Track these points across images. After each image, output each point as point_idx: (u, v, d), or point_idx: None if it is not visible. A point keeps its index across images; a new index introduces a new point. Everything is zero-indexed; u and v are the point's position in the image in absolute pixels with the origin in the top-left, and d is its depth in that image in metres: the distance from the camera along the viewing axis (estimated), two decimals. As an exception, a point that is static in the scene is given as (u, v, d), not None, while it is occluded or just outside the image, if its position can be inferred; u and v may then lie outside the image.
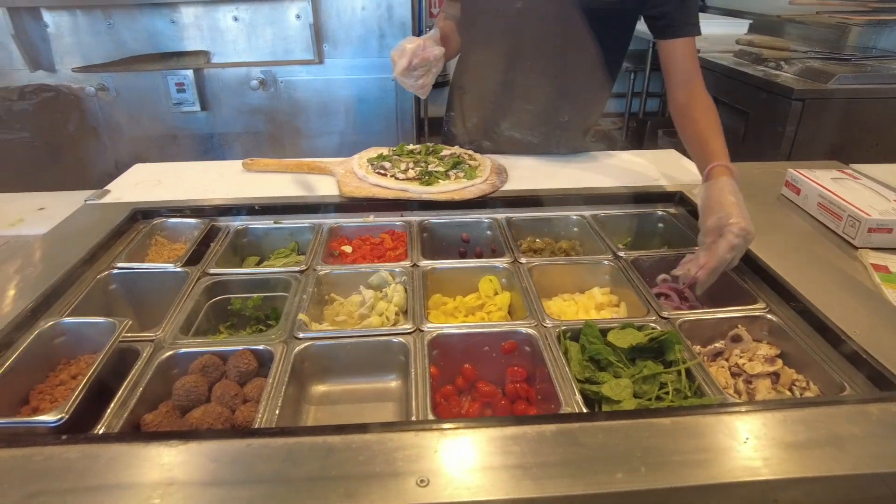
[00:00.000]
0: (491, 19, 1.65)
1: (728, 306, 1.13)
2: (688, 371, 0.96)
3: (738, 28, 4.10)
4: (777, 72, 2.88)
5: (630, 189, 1.54)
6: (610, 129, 5.21)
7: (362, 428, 0.77)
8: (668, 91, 1.52)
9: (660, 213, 1.50)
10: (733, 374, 1.04)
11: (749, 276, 1.20)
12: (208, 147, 3.64)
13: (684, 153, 1.84)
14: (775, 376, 1.01)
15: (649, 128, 4.56)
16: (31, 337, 0.95)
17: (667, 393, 0.94)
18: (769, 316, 1.08)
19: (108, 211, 1.43)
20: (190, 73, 3.39)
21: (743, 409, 0.81)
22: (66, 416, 0.80)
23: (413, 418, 0.85)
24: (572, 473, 0.70)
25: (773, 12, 3.97)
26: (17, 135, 3.26)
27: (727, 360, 1.06)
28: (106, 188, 1.57)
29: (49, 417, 0.80)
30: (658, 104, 5.55)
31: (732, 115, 3.10)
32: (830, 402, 0.85)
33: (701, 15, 4.48)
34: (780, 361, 1.02)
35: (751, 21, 4.14)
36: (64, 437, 0.76)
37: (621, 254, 1.30)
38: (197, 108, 3.49)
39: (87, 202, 1.49)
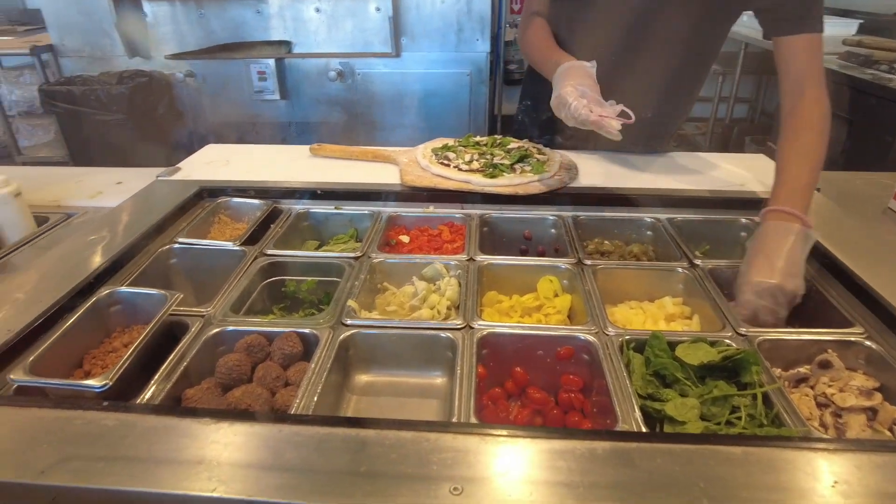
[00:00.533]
0: (584, 9, 1.54)
1: (818, 328, 1.00)
2: (765, 396, 0.85)
3: (846, 28, 3.78)
4: (890, 75, 2.62)
5: (712, 193, 1.42)
6: (693, 133, 4.94)
7: (398, 424, 0.72)
8: (780, 96, 1.30)
9: (744, 221, 1.37)
10: (819, 405, 0.92)
11: (845, 295, 1.07)
12: (286, 135, 3.73)
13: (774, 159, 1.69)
14: (872, 412, 0.88)
15: (736, 134, 4.30)
16: (88, 303, 0.97)
17: (739, 418, 0.84)
18: (868, 342, 0.95)
19: (176, 187, 1.46)
20: (272, 62, 3.48)
21: (831, 446, 0.70)
22: (110, 383, 0.81)
23: (454, 419, 0.80)
24: (623, 498, 0.62)
25: (888, 11, 3.63)
26: (114, 116, 3.46)
27: (812, 387, 0.94)
28: (177, 165, 1.61)
29: (94, 382, 0.81)
30: (746, 110, 5.22)
31: (833, 121, 2.85)
32: (941, 448, 0.73)
33: (804, 13, 4.01)
34: (879, 396, 0.89)
35: (861, 21, 3.80)
36: (105, 403, 0.76)
37: (698, 262, 1.19)
38: (277, 96, 3.58)
39: (159, 178, 1.53)
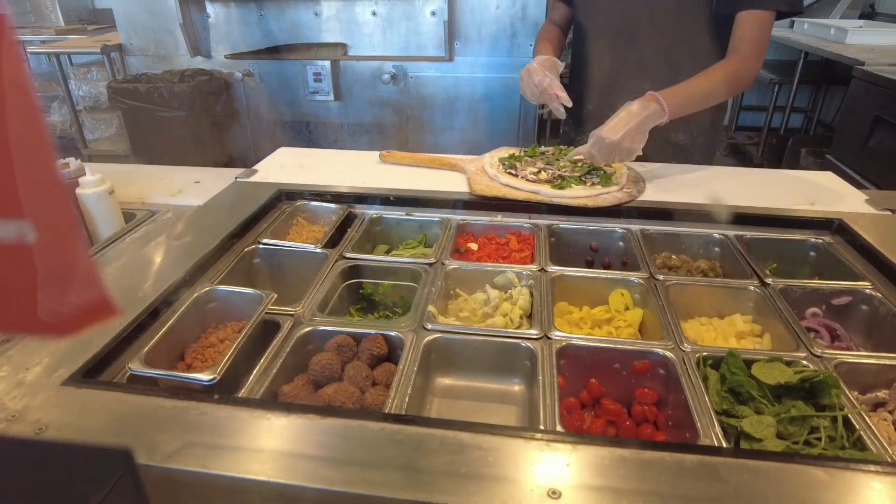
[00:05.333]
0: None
1: (894, 352, 1.01)
2: (845, 420, 0.86)
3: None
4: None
5: (781, 211, 1.42)
6: (744, 143, 4.86)
7: (492, 428, 0.76)
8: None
9: (813, 240, 1.37)
10: (898, 430, 0.92)
11: (925, 321, 1.07)
12: (338, 136, 3.82)
13: (842, 175, 1.68)
14: (953, 440, 0.89)
15: (790, 145, 4.21)
16: (190, 300, 1.04)
17: (818, 439, 0.86)
18: (949, 369, 0.95)
19: (255, 189, 1.54)
20: (327, 63, 3.57)
21: (920, 472, 0.71)
22: (218, 377, 0.87)
23: (541, 427, 0.83)
24: (716, 512, 0.65)
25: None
26: (175, 113, 3.60)
27: (891, 412, 0.94)
28: (254, 168, 1.68)
29: (203, 376, 0.87)
30: (802, 120, 5.11)
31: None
32: None
33: (867, 23, 4.12)
34: (960, 423, 0.90)
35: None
36: (216, 395, 0.83)
37: (769, 280, 1.20)
38: (331, 97, 3.66)
39: (238, 180, 1.61)
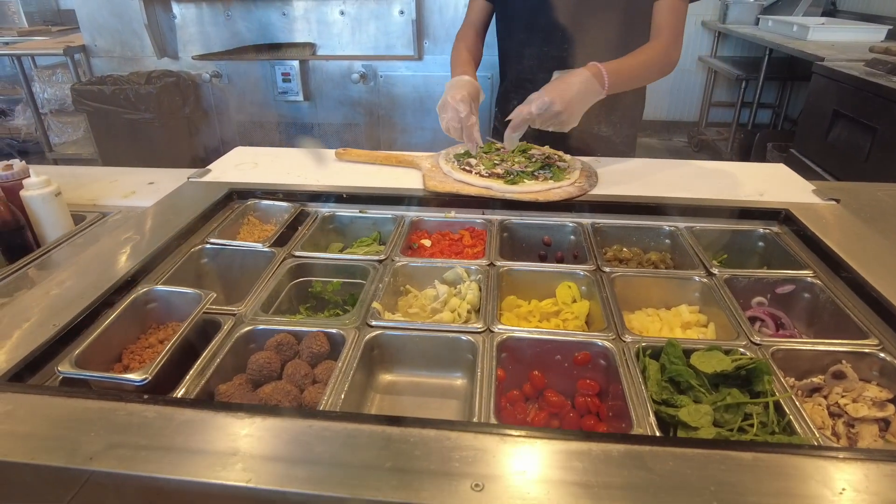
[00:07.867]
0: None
1: (833, 338, 1.02)
2: (776, 405, 0.87)
3: (874, 35, 3.74)
4: (916, 85, 2.59)
5: (731, 202, 1.43)
6: (714, 139, 4.91)
7: (422, 422, 0.76)
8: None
9: (761, 230, 1.39)
10: (832, 415, 0.93)
11: (861, 307, 1.08)
12: (308, 136, 3.79)
13: (795, 168, 1.70)
14: (884, 423, 0.90)
15: (758, 140, 4.27)
16: (128, 301, 1.02)
17: (751, 425, 0.86)
18: (882, 354, 0.96)
19: (207, 189, 1.52)
20: (296, 63, 3.54)
21: (842, 454, 0.72)
22: (150, 377, 0.86)
23: (475, 419, 0.83)
24: (635, 499, 0.65)
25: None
26: (142, 115, 3.55)
27: (825, 397, 0.96)
28: (207, 167, 1.66)
29: (135, 376, 0.86)
30: (770, 116, 5.18)
31: (856, 130, 2.83)
32: (950, 459, 0.75)
33: (829, 20, 4.19)
34: (891, 407, 0.91)
35: (890, 27, 3.76)
36: (145, 396, 0.81)
37: (715, 271, 1.21)
38: (300, 97, 3.64)
39: (190, 180, 1.59)
